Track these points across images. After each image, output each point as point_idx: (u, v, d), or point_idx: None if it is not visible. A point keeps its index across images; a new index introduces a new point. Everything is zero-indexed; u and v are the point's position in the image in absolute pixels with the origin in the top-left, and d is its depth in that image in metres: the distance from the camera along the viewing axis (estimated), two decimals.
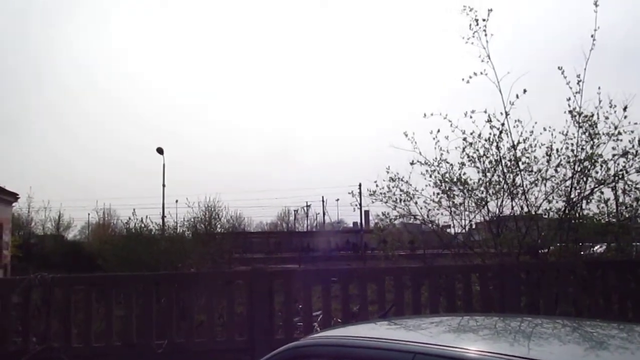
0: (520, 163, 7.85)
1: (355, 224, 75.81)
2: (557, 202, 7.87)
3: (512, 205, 8.02)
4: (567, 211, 7.76)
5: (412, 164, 8.34)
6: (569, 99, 7.70)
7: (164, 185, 37.60)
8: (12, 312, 6.70)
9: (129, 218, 17.27)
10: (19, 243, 31.61)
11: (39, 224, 49.09)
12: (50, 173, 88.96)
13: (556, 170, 7.81)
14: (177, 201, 39.08)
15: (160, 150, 37.65)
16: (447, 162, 8.25)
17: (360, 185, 43.54)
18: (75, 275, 7.89)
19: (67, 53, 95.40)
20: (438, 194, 8.29)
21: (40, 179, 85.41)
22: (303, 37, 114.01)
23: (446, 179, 8.23)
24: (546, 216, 8.06)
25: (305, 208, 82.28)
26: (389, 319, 3.08)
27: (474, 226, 9.02)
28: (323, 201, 77.29)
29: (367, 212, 55.30)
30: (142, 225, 16.75)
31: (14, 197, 28.53)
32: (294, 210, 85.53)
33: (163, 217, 25.71)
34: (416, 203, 8.45)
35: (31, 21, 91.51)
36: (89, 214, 65.25)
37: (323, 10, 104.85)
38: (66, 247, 38.02)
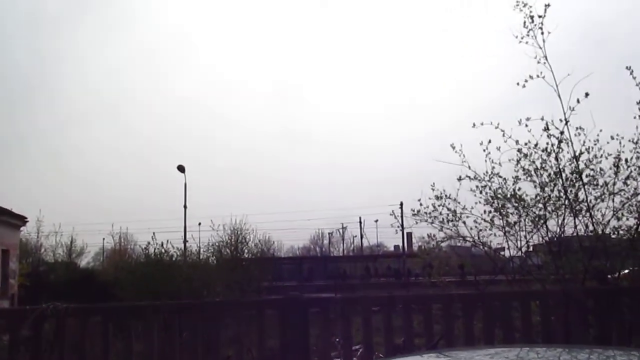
0: (583, 176, 7.73)
1: (396, 247, 75.43)
2: (627, 219, 7.72)
3: (575, 223, 7.89)
4: (639, 229, 7.61)
5: (459, 179, 8.29)
6: (639, 103, 7.59)
7: (185, 207, 38.18)
8: (21, 347, 6.81)
9: (148, 243, 17.54)
10: (27, 271, 32.20)
11: (49, 250, 49.90)
12: (61, 194, 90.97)
13: (626, 183, 7.67)
14: (200, 224, 39.58)
15: (181, 169, 38.18)
16: (500, 176, 8.16)
17: (401, 204, 43.50)
18: (91, 305, 7.99)
19: (78, 69, 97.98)
20: (490, 212, 8.20)
21: (50, 201, 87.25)
22: (333, 40, 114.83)
23: (499, 195, 8.14)
24: (615, 235, 7.91)
25: (340, 230, 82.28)
26: (437, 351, 3.06)
27: (531, 248, 8.89)
28: (360, 222, 77.04)
29: (409, 234, 55.21)
30: (162, 251, 16.96)
31: (22, 220, 29.17)
32: (329, 233, 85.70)
33: (185, 241, 26.07)
34: (465, 223, 8.37)
35: (40, 34, 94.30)
36: (103, 239, 66.21)
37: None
38: (79, 275, 38.57)
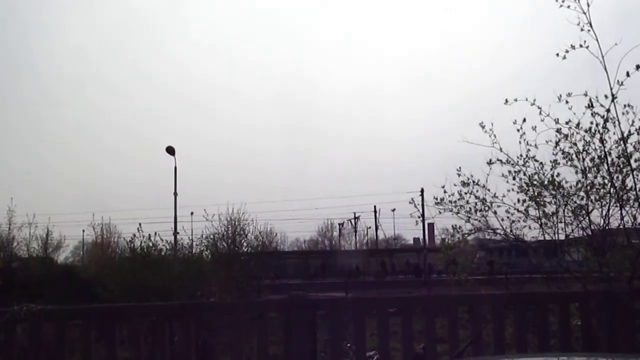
0: (632, 160, 7.69)
1: (416, 240, 75.48)
2: None
3: (621, 214, 7.86)
4: None
5: (489, 163, 8.26)
6: None
7: (175, 194, 38.08)
8: None
9: (134, 235, 17.60)
10: None
11: (23, 244, 50.03)
12: (35, 181, 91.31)
13: None
14: (192, 213, 39.65)
15: (170, 150, 38.07)
16: (536, 160, 8.14)
17: (422, 191, 43.32)
18: (70, 307, 8.04)
19: (48, 43, 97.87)
20: (524, 201, 8.19)
21: (23, 188, 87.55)
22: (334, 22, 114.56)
23: (535, 182, 8.12)
24: None
25: (352, 221, 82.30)
26: None
27: (571, 242, 8.87)
28: (375, 212, 77.17)
29: (431, 226, 55.06)
30: (150, 244, 17.03)
31: None
32: (339, 224, 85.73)
33: (175, 233, 26.13)
34: (495, 213, 8.37)
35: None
36: (83, 231, 66.29)
37: None
38: (56, 271, 38.69)
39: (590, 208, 7.96)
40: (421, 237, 66.52)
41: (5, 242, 46.21)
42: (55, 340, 6.73)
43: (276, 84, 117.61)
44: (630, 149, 7.69)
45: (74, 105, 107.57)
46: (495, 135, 8.23)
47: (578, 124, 7.87)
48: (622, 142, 7.71)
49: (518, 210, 8.22)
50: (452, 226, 8.68)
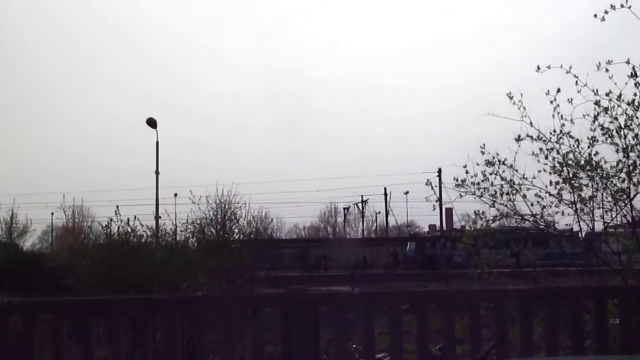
0: None
1: (432, 227, 75.42)
2: None
3: None
4: None
5: (518, 139, 8.25)
6: None
7: (157, 173, 38.08)
8: None
9: (110, 219, 17.64)
10: None
11: None
12: None
13: None
14: (176, 195, 39.72)
15: (151, 122, 37.92)
16: (571, 137, 8.13)
17: (439, 171, 43.52)
18: (40, 299, 8.08)
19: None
20: (557, 183, 8.19)
21: None
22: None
23: (569, 162, 8.12)
24: None
25: (359, 205, 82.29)
26: None
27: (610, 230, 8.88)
28: (386, 195, 77.12)
29: (449, 211, 55.24)
30: (129, 230, 17.07)
31: None
32: (344, 208, 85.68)
33: (157, 217, 26.13)
34: (524, 197, 8.37)
35: None
36: (52, 214, 66.63)
37: None
38: (22, 259, 38.85)
39: (633, 192, 7.96)
40: (438, 224, 66.55)
41: None
42: (23, 334, 6.76)
43: (276, 79, 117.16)
44: None
45: (44, 76, 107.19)
46: (524, 108, 8.22)
47: (619, 96, 7.85)
48: None
49: (550, 194, 8.23)
50: (475, 211, 8.70)
